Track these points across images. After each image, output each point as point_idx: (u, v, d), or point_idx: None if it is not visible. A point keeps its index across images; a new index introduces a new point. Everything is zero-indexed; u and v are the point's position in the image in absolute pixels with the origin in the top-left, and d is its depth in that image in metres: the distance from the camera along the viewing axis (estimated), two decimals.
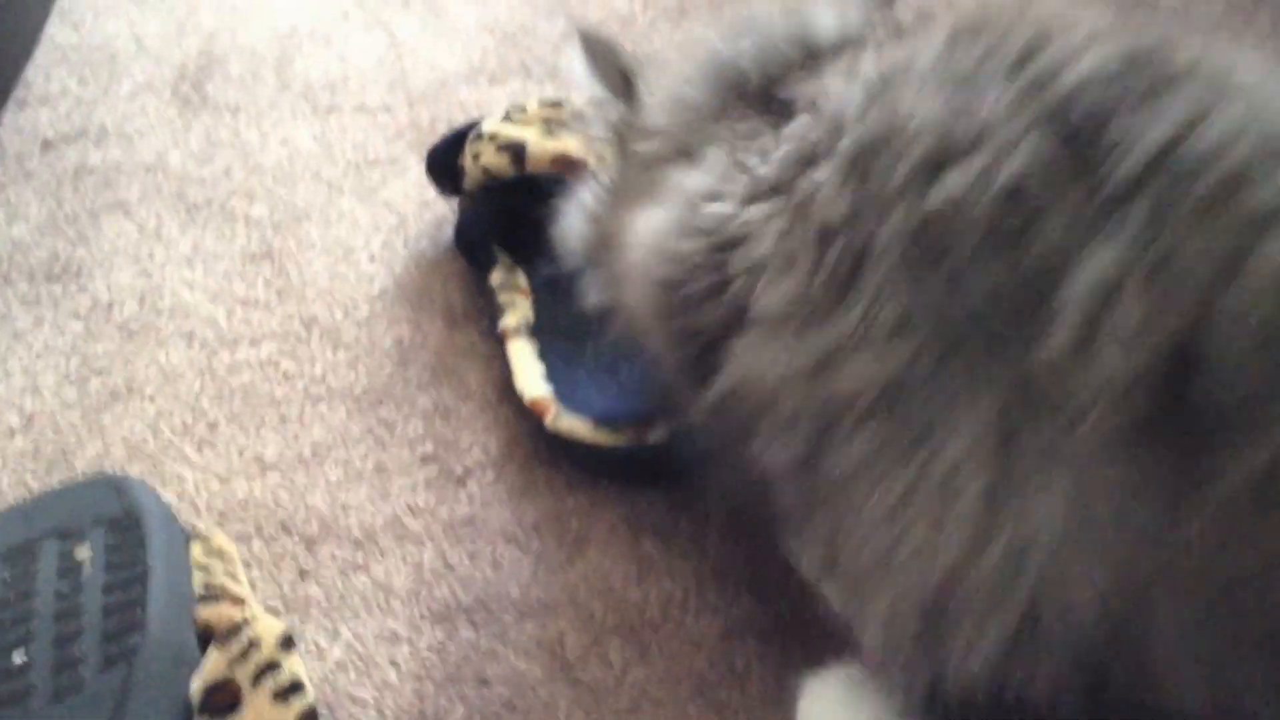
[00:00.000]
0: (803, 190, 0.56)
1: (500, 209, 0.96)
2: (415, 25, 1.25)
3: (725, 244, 0.59)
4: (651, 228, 0.63)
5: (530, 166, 0.94)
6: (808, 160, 0.57)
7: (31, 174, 1.08)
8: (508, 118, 0.97)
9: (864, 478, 0.51)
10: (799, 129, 0.59)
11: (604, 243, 0.71)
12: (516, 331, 0.89)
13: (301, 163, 1.09)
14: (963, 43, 0.54)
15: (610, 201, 0.72)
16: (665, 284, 0.62)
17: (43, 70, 1.19)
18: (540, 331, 0.90)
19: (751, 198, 0.59)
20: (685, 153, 0.65)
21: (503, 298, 0.92)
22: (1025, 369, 0.46)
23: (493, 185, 0.96)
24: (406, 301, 0.96)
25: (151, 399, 0.89)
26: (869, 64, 0.59)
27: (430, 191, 1.02)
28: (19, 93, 1.16)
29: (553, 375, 0.87)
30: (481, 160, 0.95)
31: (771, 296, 0.56)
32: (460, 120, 1.13)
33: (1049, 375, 0.45)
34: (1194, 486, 0.43)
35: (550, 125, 0.96)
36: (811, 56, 0.64)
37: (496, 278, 0.93)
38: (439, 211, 1.04)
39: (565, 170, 0.93)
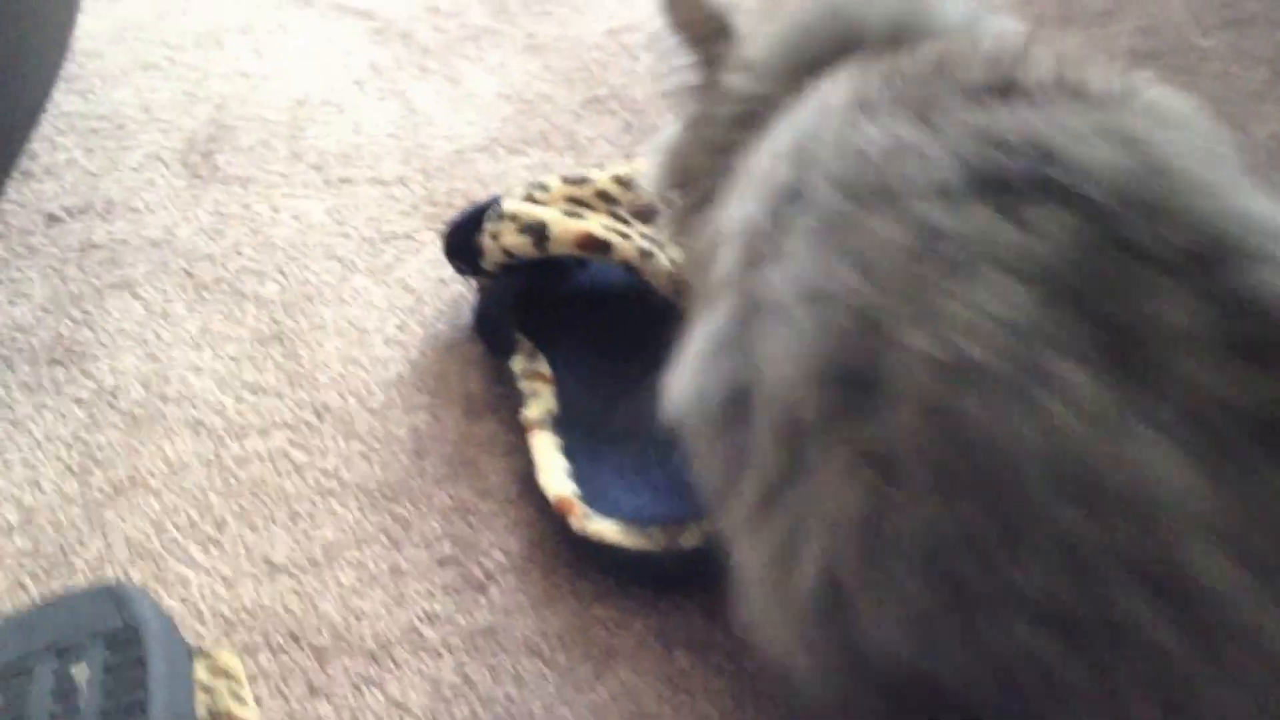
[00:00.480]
0: None
1: (521, 291, 0.92)
2: (431, 94, 1.22)
3: None
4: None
5: (553, 248, 0.90)
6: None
7: (36, 250, 1.04)
8: (529, 197, 0.93)
9: None
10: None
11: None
12: (539, 424, 0.85)
13: (314, 238, 1.06)
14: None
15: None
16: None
17: (48, 140, 1.16)
18: (564, 423, 0.86)
19: None
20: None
21: (524, 386, 0.88)
22: None
23: (513, 266, 0.92)
24: (423, 388, 0.92)
25: (156, 493, 0.85)
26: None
27: (447, 269, 0.99)
28: (24, 164, 1.13)
29: (578, 472, 0.83)
30: (502, 241, 0.91)
31: None
32: (478, 193, 1.10)
33: None
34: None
35: (573, 204, 0.92)
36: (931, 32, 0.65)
37: (518, 364, 0.89)
38: (456, 290, 1.00)
39: (590, 251, 0.90)
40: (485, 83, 1.24)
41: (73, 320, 0.98)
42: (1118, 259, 0.46)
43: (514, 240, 0.91)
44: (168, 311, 0.99)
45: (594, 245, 0.90)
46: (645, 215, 0.93)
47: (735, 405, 0.54)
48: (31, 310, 0.99)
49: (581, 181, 0.94)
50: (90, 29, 1.31)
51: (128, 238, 1.06)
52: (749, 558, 0.54)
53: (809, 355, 0.50)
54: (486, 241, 0.93)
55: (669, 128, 0.79)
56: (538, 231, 0.90)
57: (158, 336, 0.97)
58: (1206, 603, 0.41)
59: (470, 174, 1.12)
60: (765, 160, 0.59)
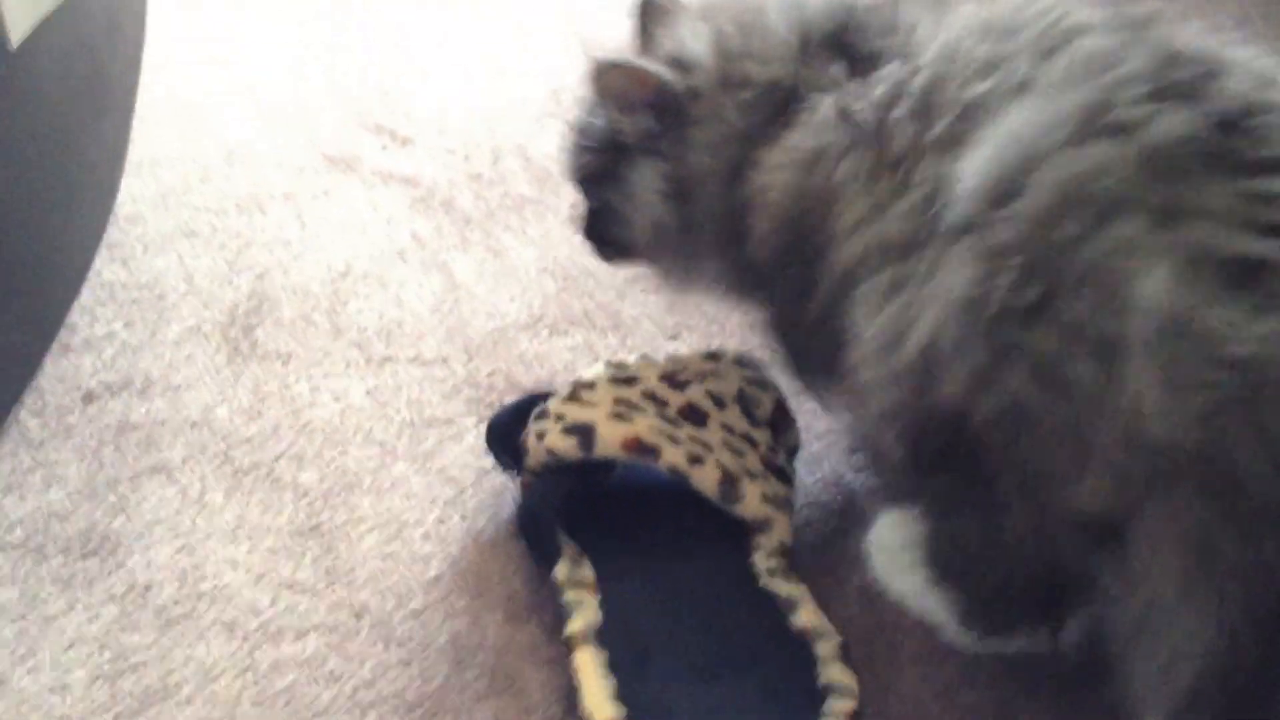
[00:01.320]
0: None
1: (566, 494, 0.90)
2: (473, 266, 1.22)
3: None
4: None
5: (600, 451, 0.89)
6: (895, 99, 0.77)
7: (72, 430, 1.03)
8: (574, 395, 0.92)
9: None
10: (890, 73, 0.78)
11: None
12: (583, 639, 0.83)
13: (353, 421, 1.04)
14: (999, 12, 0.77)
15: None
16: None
17: (88, 311, 1.15)
18: (609, 635, 0.84)
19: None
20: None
21: (568, 598, 0.86)
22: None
23: (558, 468, 0.90)
24: (464, 589, 0.91)
25: (188, 701, 0.83)
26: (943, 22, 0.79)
27: (489, 458, 0.97)
28: (63, 336, 1.12)
29: (624, 689, 0.81)
30: (546, 441, 0.90)
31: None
32: (521, 375, 1.09)
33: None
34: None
35: (621, 406, 0.91)
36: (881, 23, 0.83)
37: (561, 572, 0.87)
38: (498, 481, 0.99)
39: (637, 455, 0.88)
40: (527, 255, 1.23)
41: (108, 508, 0.97)
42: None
43: (559, 442, 0.89)
44: (204, 499, 0.98)
45: (642, 449, 0.88)
46: (695, 415, 0.92)
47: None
48: (66, 495, 0.98)
49: (630, 381, 0.93)
50: (134, 192, 1.31)
51: (166, 418, 1.05)
52: (871, 333, 0.74)
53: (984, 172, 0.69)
54: (531, 441, 0.91)
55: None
56: (584, 434, 0.89)
57: (193, 527, 0.95)
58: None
59: (513, 354, 1.11)
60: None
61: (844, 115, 0.79)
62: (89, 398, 1.07)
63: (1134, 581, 0.65)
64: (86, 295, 1.18)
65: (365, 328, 1.15)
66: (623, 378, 0.93)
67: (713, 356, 0.99)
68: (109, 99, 1.14)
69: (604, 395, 0.91)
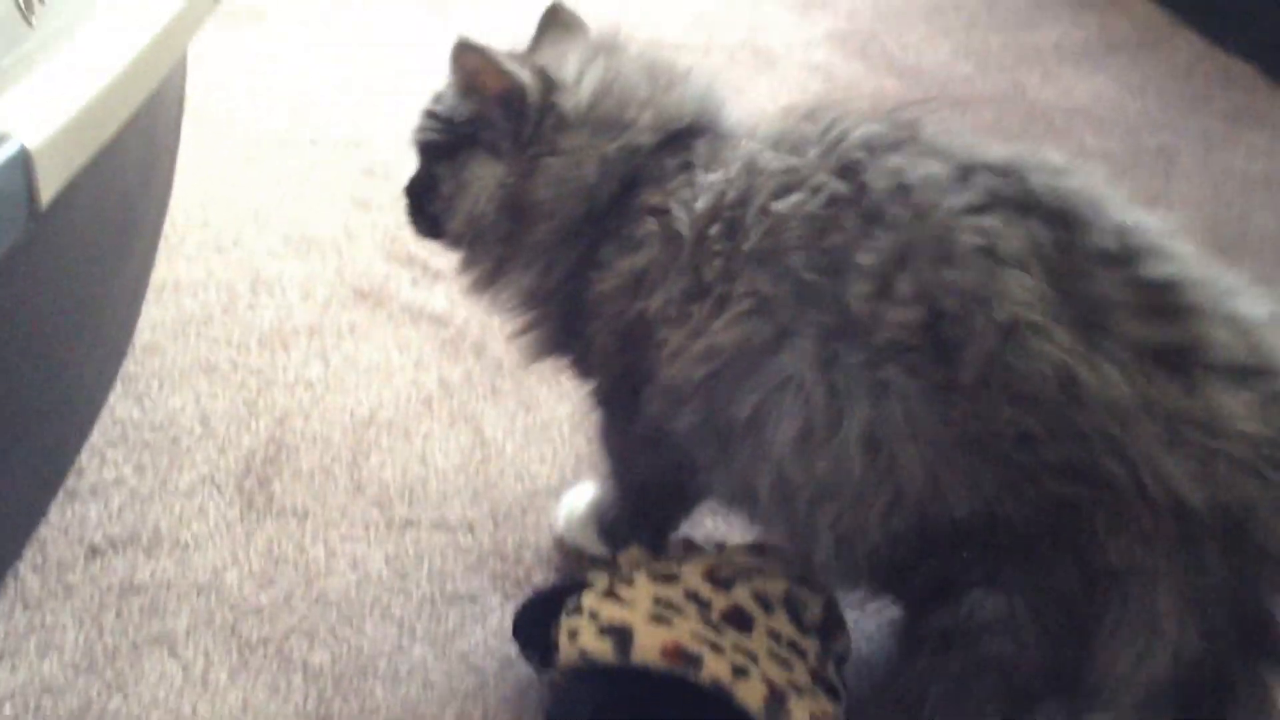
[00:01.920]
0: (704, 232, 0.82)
1: (600, 703, 0.84)
2: (504, 420, 1.16)
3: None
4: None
5: (636, 656, 0.83)
6: (714, 212, 0.81)
7: (72, 590, 0.97)
8: (611, 591, 0.86)
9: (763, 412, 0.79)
10: (715, 182, 0.83)
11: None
12: None
13: (370, 593, 0.99)
14: (795, 126, 0.84)
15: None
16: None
17: (99, 454, 1.10)
18: None
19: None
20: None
21: None
22: (838, 313, 0.75)
23: (590, 670, 0.84)
24: None
25: None
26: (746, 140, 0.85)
27: (514, 645, 0.91)
28: (70, 481, 1.07)
29: None
30: (579, 641, 0.84)
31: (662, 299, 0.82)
32: (551, 548, 1.03)
33: (856, 315, 0.75)
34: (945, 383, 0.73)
35: (661, 606, 0.85)
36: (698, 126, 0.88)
37: None
38: (523, 674, 0.92)
39: (677, 663, 0.82)
40: (561, 410, 1.18)
41: (105, 683, 0.91)
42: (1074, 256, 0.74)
43: (594, 644, 0.83)
44: (208, 678, 0.92)
45: (683, 658, 0.82)
46: (740, 619, 0.85)
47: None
48: (62, 666, 0.92)
49: (670, 578, 0.87)
50: (154, 319, 1.27)
51: (172, 579, 0.99)
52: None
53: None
54: (563, 639, 0.85)
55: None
56: (621, 636, 0.83)
57: (194, 711, 0.89)
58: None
59: (543, 523, 1.06)
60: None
61: (665, 228, 0.83)
62: (93, 553, 1.01)
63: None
64: (97, 435, 1.13)
65: (387, 484, 1.09)
66: (663, 574, 0.87)
67: (758, 549, 0.93)
68: (137, 241, 1.09)
69: (643, 593, 0.85)
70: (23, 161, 0.69)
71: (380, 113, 1.64)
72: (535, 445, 1.14)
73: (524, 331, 0.92)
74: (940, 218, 0.74)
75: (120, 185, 0.97)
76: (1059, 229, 0.74)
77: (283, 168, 1.52)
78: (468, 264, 0.93)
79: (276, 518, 1.05)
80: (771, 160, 0.81)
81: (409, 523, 1.05)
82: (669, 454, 0.86)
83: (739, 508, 0.89)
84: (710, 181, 0.83)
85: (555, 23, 0.96)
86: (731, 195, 0.81)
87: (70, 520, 1.04)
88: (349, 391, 1.19)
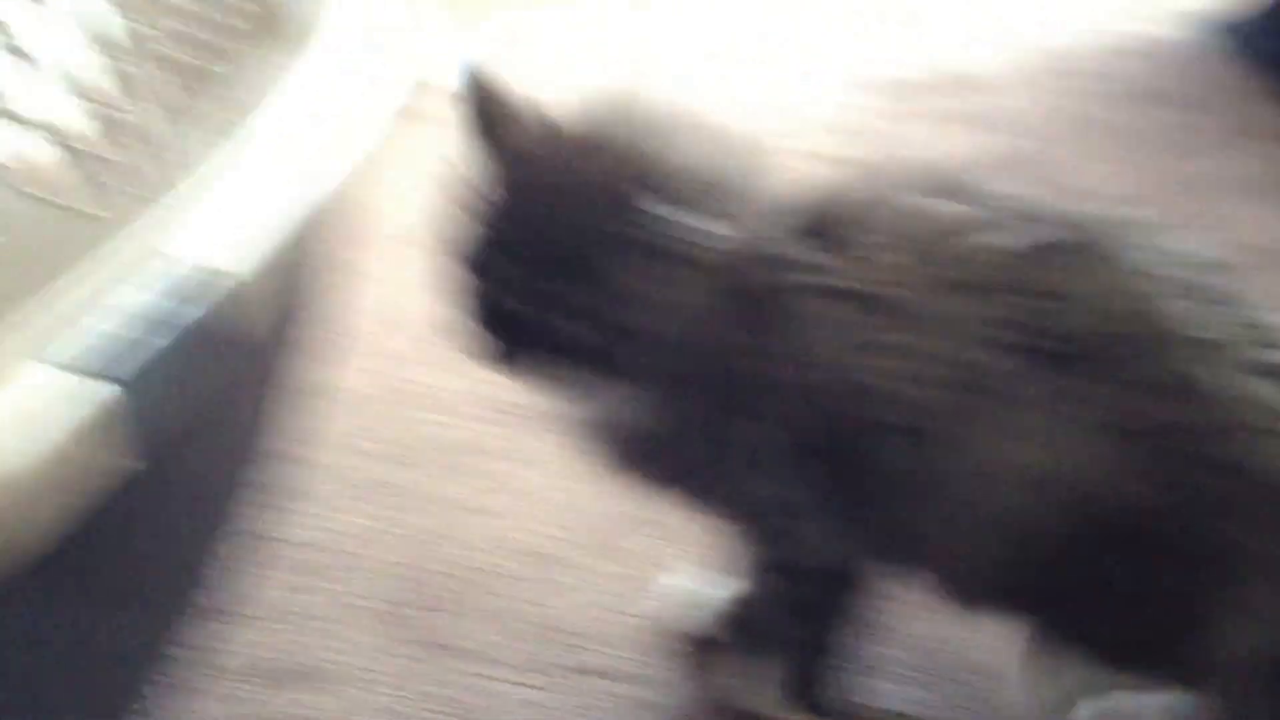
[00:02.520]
0: None
1: None
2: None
3: None
4: None
5: None
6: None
7: None
8: None
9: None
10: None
11: None
12: None
13: None
14: None
15: None
16: None
17: (246, 571, 1.04)
18: None
19: None
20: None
21: None
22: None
23: None
24: None
25: None
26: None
27: None
28: (205, 600, 1.01)
29: None
30: None
31: None
32: None
33: None
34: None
35: None
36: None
37: None
38: None
39: None
40: None
41: None
42: None
43: None
44: None
45: None
46: None
47: None
48: None
49: None
50: (306, 429, 1.21)
51: (317, 717, 0.92)
52: None
53: None
54: None
55: None
56: None
57: None
58: None
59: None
60: None
61: None
62: (231, 680, 0.94)
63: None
64: (244, 551, 1.07)
65: (559, 623, 1.03)
66: None
67: None
68: (304, 337, 1.05)
69: None
70: (237, 296, 0.65)
71: None
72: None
73: None
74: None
75: (296, 299, 0.93)
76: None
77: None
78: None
79: (435, 653, 0.99)
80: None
81: (584, 670, 0.98)
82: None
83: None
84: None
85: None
86: None
87: (207, 644, 0.98)
88: (513, 517, 1.13)
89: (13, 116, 0.55)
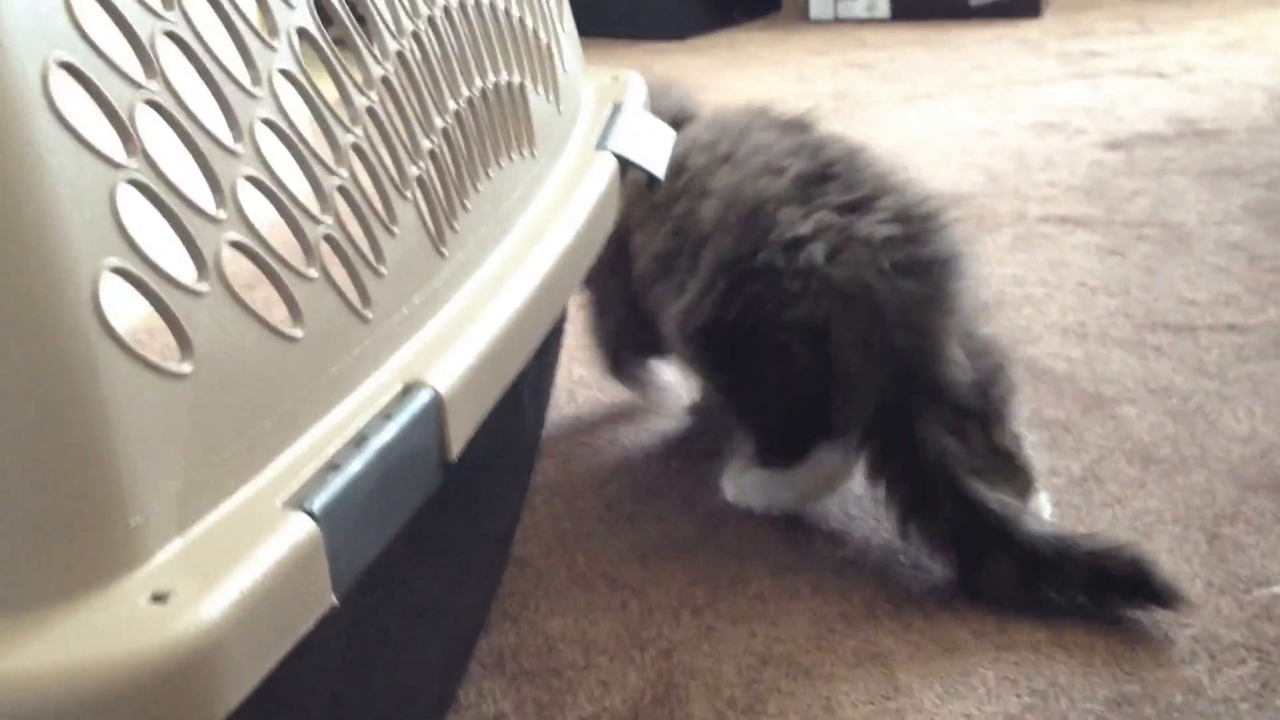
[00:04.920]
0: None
1: None
2: (919, 663, 1.04)
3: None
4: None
5: None
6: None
7: None
8: None
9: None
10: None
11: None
12: None
13: None
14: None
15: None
16: None
17: (476, 683, 1.03)
18: None
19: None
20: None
21: None
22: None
23: None
24: None
25: None
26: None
27: None
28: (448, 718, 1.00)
29: None
30: None
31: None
32: None
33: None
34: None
35: None
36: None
37: None
38: None
39: None
40: (982, 652, 1.04)
41: None
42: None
43: None
44: None
45: None
46: None
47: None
48: None
49: None
50: (528, 527, 1.21)
51: None
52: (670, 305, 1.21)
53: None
54: None
55: None
56: None
57: None
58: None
59: None
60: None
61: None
62: None
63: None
64: (474, 662, 1.07)
65: None
66: None
67: None
68: (524, 457, 1.05)
69: None
70: (436, 411, 0.63)
71: None
72: (957, 698, 1.01)
73: None
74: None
75: (514, 405, 0.92)
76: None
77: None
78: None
79: None
80: (700, 133, 1.26)
81: None
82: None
83: None
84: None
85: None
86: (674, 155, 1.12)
87: None
88: (740, 620, 1.09)
89: (253, 237, 0.55)
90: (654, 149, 1.02)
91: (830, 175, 1.16)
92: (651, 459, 1.34)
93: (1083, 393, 1.39)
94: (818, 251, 1.10)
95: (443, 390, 0.64)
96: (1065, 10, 3.05)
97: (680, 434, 1.41)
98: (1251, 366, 1.41)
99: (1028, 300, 1.64)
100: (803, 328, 1.10)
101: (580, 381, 1.52)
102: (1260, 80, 2.40)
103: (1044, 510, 1.17)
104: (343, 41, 0.66)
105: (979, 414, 1.11)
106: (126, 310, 0.53)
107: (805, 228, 1.11)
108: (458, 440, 0.66)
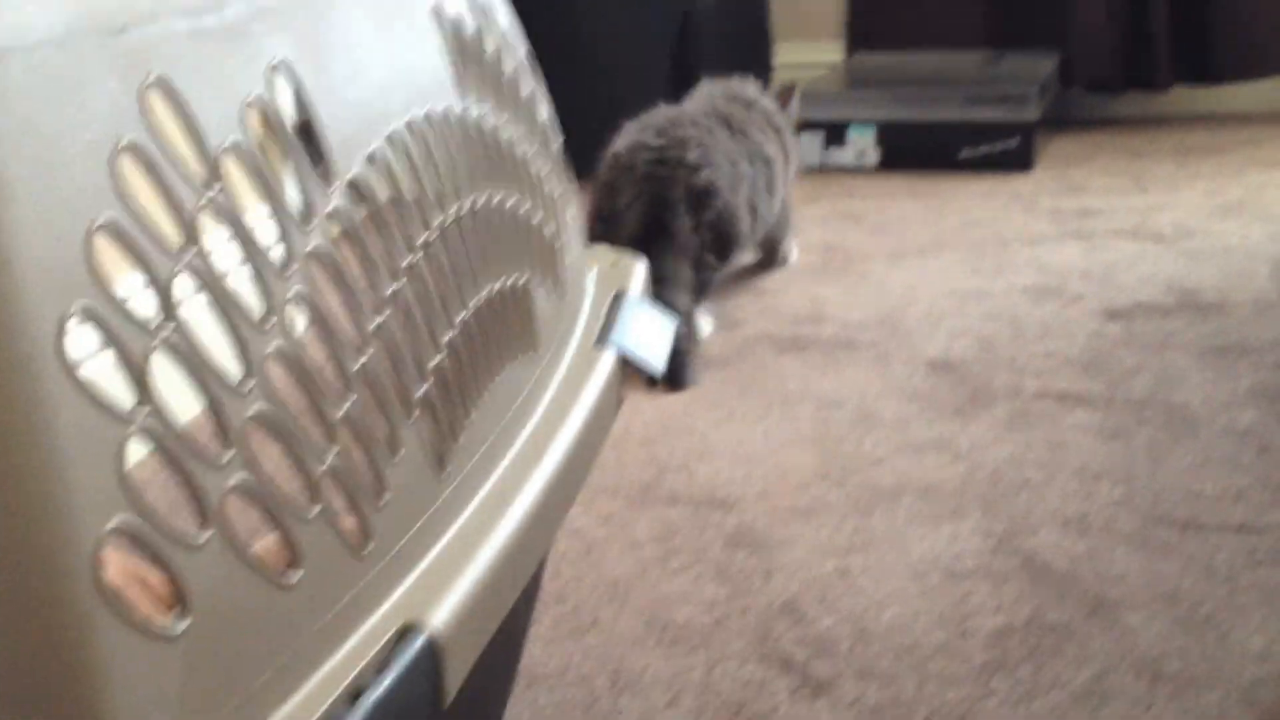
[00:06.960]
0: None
1: None
2: None
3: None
4: None
5: None
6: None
7: None
8: None
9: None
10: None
11: None
12: None
13: None
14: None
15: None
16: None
17: None
18: None
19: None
20: None
21: None
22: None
23: None
24: None
25: None
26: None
27: None
28: None
29: None
30: None
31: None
32: None
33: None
34: None
35: None
36: None
37: None
38: None
39: None
40: None
41: None
42: None
43: None
44: None
45: None
46: None
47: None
48: None
49: None
50: (510, 717, 1.19)
51: None
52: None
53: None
54: None
55: None
56: None
57: None
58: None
59: None
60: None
61: None
62: None
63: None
64: None
65: None
66: None
67: None
68: (514, 658, 1.03)
69: None
70: (432, 659, 0.63)
71: (751, 473, 1.57)
72: None
73: None
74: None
75: (508, 627, 0.91)
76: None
77: (641, 531, 1.46)
78: None
79: None
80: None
81: None
82: None
83: None
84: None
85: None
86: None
87: None
88: None
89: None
90: (655, 341, 1.02)
91: (661, 133, 2.16)
92: (634, 645, 1.32)
93: (1086, 594, 1.39)
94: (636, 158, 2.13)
95: (440, 630, 0.64)
96: (1057, 164, 3.10)
97: None
98: (1264, 573, 1.41)
99: (1025, 485, 1.64)
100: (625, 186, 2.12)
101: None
102: (1264, 249, 2.44)
103: (705, 328, 2.14)
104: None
105: (694, 254, 2.09)
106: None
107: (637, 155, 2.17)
108: (453, 686, 0.65)
